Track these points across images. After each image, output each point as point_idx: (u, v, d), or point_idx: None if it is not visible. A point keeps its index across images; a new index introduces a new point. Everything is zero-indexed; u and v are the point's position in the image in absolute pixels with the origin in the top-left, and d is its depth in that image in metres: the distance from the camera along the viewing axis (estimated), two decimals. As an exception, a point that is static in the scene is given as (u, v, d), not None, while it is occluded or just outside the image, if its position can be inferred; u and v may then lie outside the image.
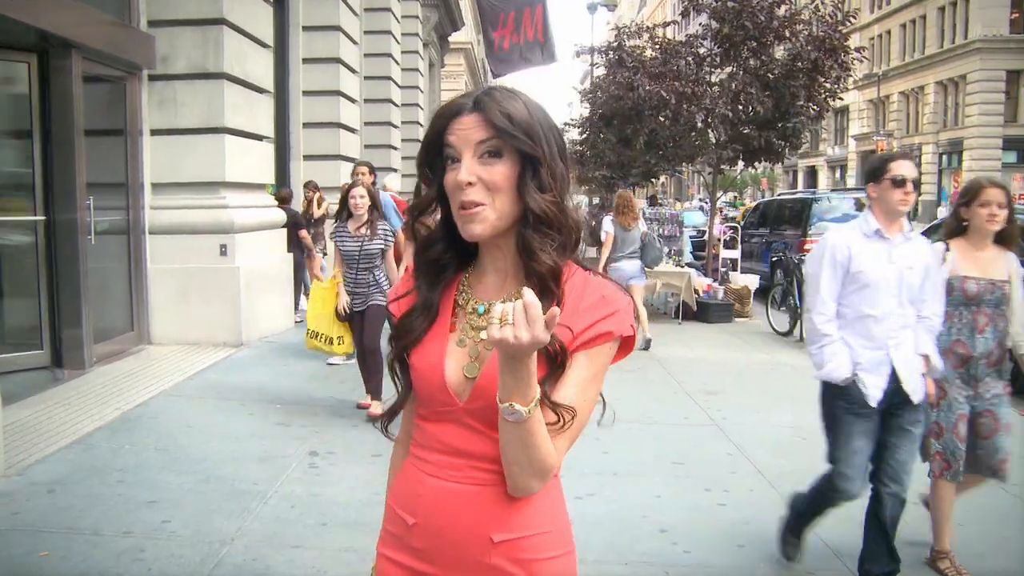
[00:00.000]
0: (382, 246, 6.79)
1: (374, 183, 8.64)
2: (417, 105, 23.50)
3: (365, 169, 8.56)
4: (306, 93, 14.28)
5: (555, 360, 1.51)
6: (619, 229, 10.60)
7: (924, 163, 44.71)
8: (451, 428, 1.60)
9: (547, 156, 1.53)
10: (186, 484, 5.13)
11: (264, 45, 10.30)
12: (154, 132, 9.02)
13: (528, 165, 1.52)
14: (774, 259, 12.84)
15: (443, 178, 1.56)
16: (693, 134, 13.61)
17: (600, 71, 20.68)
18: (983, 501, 4.86)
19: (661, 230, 16.32)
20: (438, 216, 1.65)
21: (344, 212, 6.86)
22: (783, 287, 11.69)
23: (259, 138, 10.26)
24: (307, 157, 14.35)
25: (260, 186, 10.32)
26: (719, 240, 15.03)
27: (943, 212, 31.77)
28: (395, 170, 20.00)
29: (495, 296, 1.61)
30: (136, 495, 4.90)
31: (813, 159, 53.92)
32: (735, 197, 58.06)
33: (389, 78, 19.44)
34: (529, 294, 1.31)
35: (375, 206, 6.86)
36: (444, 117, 1.56)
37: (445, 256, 1.66)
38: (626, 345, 1.63)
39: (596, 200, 27.07)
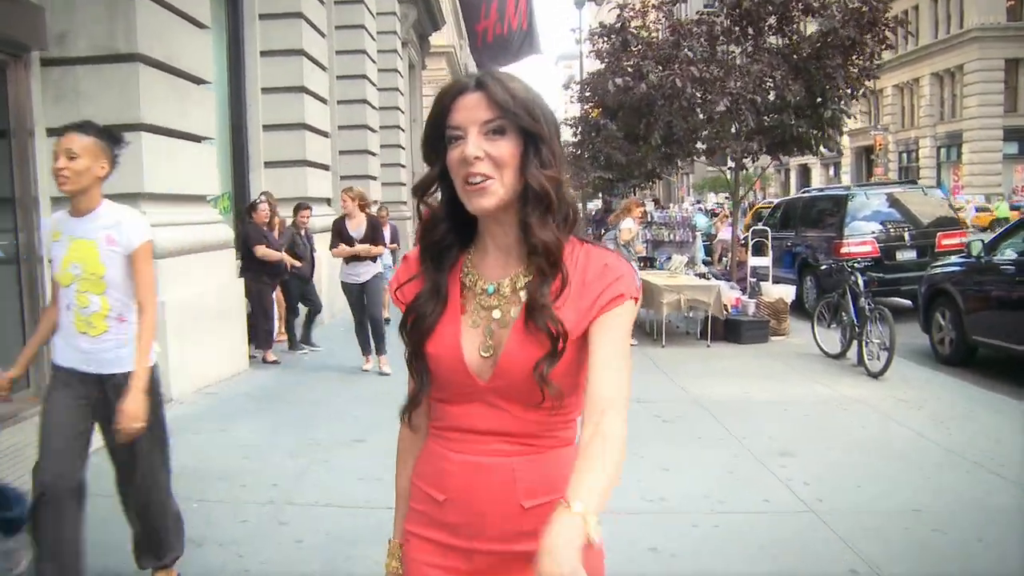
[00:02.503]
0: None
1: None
2: (397, 108, 21.46)
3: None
4: (266, 90, 12.21)
5: (556, 341, 1.52)
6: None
7: (922, 157, 43.03)
8: (475, 408, 1.61)
9: (547, 135, 1.56)
10: None
11: (199, 25, 8.23)
12: (52, 132, 6.93)
13: (530, 143, 1.54)
14: (822, 267, 10.81)
15: (444, 158, 1.57)
16: (711, 124, 11.58)
17: (591, 66, 18.67)
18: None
19: (672, 235, 14.35)
20: (438, 197, 1.66)
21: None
22: (834, 300, 9.67)
23: (196, 139, 8.20)
24: (269, 164, 12.28)
25: (197, 198, 8.25)
26: (742, 244, 12.97)
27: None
28: (374, 177, 18.00)
29: (500, 275, 1.63)
30: None
31: (805, 157, 51.87)
32: (726, 198, 56.37)
33: (364, 77, 17.39)
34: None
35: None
36: (448, 96, 1.57)
37: (448, 236, 1.65)
38: None
39: (596, 204, 24.88)
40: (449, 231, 1.65)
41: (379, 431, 6.39)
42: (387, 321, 9.65)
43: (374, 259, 8.79)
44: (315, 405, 7.22)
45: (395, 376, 8.51)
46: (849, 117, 11.58)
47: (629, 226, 10.57)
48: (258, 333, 9.18)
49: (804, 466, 5.68)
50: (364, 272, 8.72)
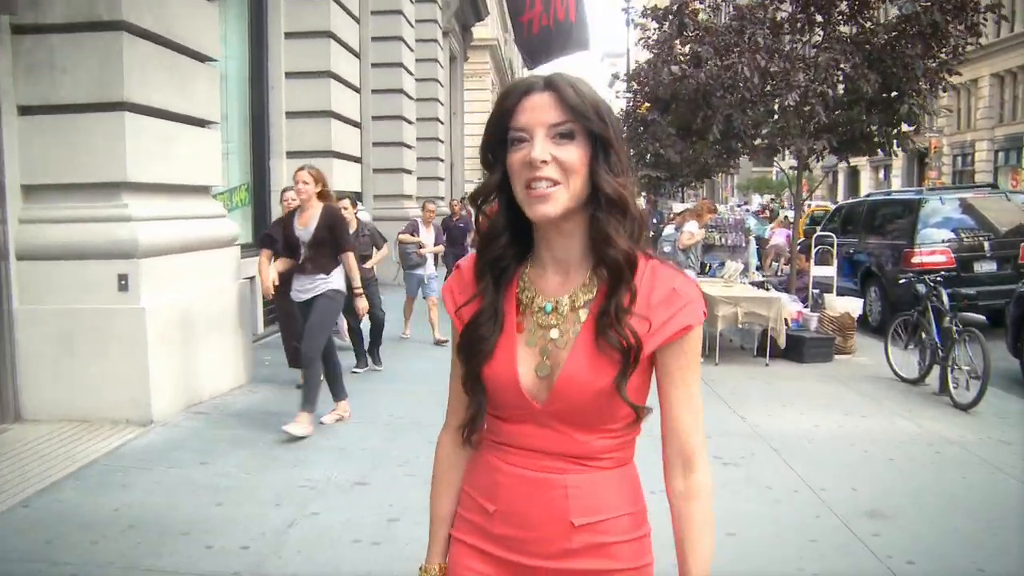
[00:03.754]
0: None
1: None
2: (436, 100, 20.48)
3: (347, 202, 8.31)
4: (290, 75, 11.25)
5: (628, 354, 1.46)
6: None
7: (978, 161, 41.11)
8: (530, 429, 1.56)
9: (616, 140, 1.48)
10: None
11: (204, -5, 7.25)
12: (23, 110, 6.00)
13: (600, 147, 1.47)
14: (900, 280, 9.57)
15: (504, 162, 1.49)
16: (774, 119, 10.39)
17: (639, 58, 17.47)
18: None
19: (723, 239, 13.15)
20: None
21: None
22: (913, 318, 8.45)
23: (199, 123, 7.22)
24: (292, 154, 11.30)
25: (197, 189, 7.26)
26: (806, 253, 11.73)
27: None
28: (410, 171, 17.00)
29: (559, 292, 1.55)
30: None
31: (857, 158, 50.02)
32: (771, 199, 54.58)
33: (400, 65, 16.44)
34: None
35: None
36: (513, 96, 1.48)
37: (508, 249, 1.57)
38: None
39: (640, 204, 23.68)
40: (508, 244, 1.57)
41: (385, 469, 5.37)
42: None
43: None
44: (317, 433, 6.19)
45: (416, 399, 7.47)
46: (930, 114, 10.30)
47: (692, 230, 9.46)
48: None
49: (902, 535, 4.53)
50: (313, 287, 6.25)
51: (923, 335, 8.33)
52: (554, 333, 1.52)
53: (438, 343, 10.09)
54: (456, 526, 1.68)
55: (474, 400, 1.60)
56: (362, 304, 6.80)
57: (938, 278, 8.44)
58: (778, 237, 17.57)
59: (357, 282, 6.63)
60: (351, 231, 8.03)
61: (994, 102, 40.08)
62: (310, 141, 11.29)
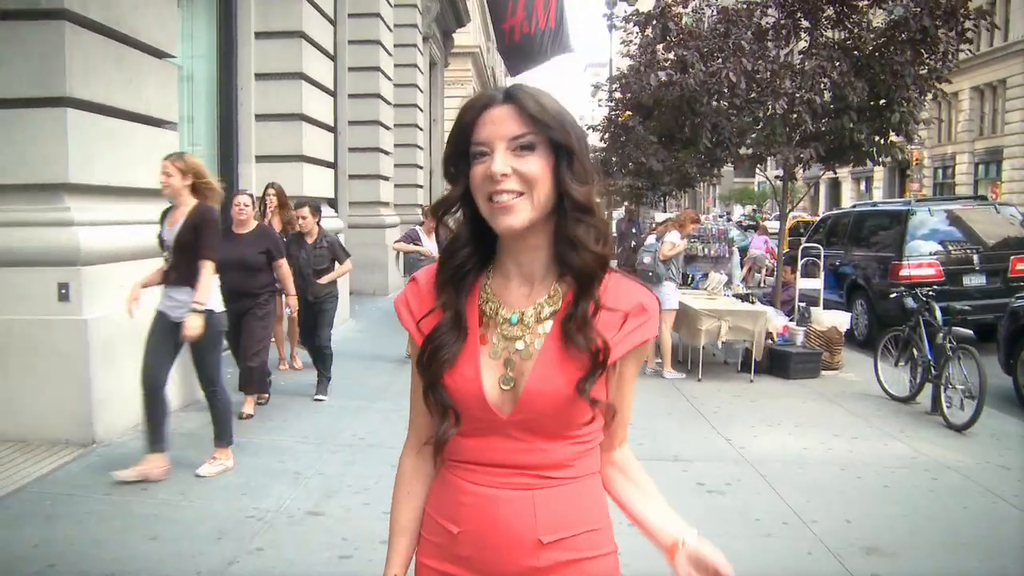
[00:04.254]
0: None
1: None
2: (415, 106, 20.02)
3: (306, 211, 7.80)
4: (260, 76, 10.78)
5: (597, 357, 1.45)
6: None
7: (958, 174, 41.04)
8: (494, 441, 1.52)
9: (579, 149, 1.47)
10: None
11: (163, -13, 6.80)
12: (-46, 105, 5.53)
13: (563, 156, 1.46)
14: (891, 294, 9.15)
15: (467, 174, 1.48)
16: (760, 126, 10.01)
17: (622, 65, 17.10)
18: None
19: (706, 249, 12.79)
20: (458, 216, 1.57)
21: None
22: (904, 334, 8.08)
23: (155, 122, 6.76)
24: (261, 158, 10.85)
25: (150, 192, 6.77)
26: (792, 265, 11.35)
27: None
28: (387, 177, 16.55)
29: (524, 303, 1.53)
30: None
31: (840, 169, 49.70)
32: (753, 210, 54.43)
33: (378, 69, 15.97)
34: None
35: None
36: (473, 110, 1.48)
37: (470, 261, 1.56)
38: None
39: (619, 214, 23.18)
40: (471, 255, 1.56)
41: (341, 498, 4.92)
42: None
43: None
44: (273, 454, 5.74)
45: (382, 417, 7.03)
46: (918, 123, 9.96)
47: (674, 240, 9.05)
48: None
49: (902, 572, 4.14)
50: (182, 303, 5.07)
51: (915, 352, 7.96)
52: (519, 344, 1.51)
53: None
54: (421, 549, 1.64)
55: (436, 416, 1.56)
56: (293, 303, 7.04)
57: (930, 292, 8.07)
58: (755, 247, 17.24)
59: (291, 288, 6.86)
60: (311, 241, 7.58)
61: (974, 115, 40.04)
62: (280, 145, 10.83)
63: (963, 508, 5.18)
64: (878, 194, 44.74)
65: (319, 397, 7.43)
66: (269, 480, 5.17)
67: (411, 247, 9.50)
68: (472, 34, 35.47)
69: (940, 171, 42.88)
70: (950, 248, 11.07)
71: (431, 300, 1.57)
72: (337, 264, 7.96)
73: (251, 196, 7.26)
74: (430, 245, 9.30)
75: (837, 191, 51.27)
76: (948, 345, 7.30)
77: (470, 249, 1.55)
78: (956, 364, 7.20)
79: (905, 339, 8.12)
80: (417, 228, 9.87)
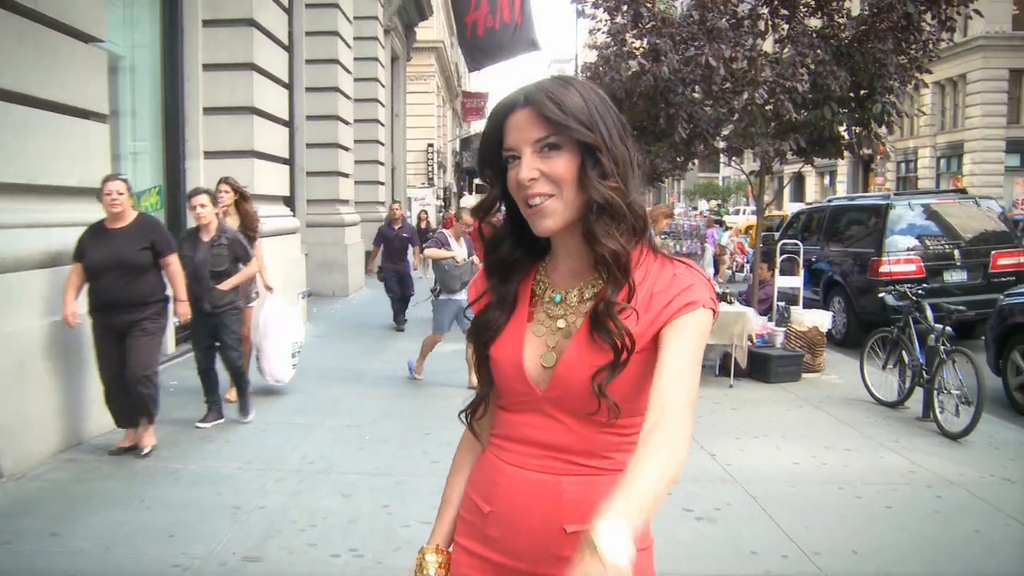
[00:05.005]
0: None
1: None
2: (376, 101, 19.36)
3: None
4: (208, 67, 10.08)
5: (619, 352, 1.44)
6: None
7: (920, 168, 41.11)
8: (531, 418, 1.56)
9: (607, 141, 1.47)
10: None
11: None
12: None
13: (588, 154, 1.46)
14: (880, 292, 8.60)
15: (506, 176, 1.52)
16: (736, 118, 9.48)
17: (589, 57, 16.52)
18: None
19: (679, 247, 12.24)
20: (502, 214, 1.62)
21: None
22: (892, 335, 7.59)
23: (81, 114, 6.08)
24: (210, 154, 10.15)
25: (80, 192, 6.08)
26: (768, 262, 10.83)
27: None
28: (347, 174, 15.86)
29: (570, 284, 1.57)
30: None
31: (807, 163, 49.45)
32: (718, 205, 54.13)
33: (336, 62, 15.30)
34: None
35: None
36: (498, 116, 1.52)
37: (515, 253, 1.61)
38: None
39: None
40: (515, 247, 1.61)
41: (287, 535, 4.28)
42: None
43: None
44: (210, 484, 5.09)
45: (336, 436, 6.39)
46: (900, 115, 9.48)
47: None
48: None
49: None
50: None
51: (904, 354, 7.48)
52: (561, 323, 1.54)
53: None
54: (458, 528, 1.66)
55: (482, 384, 1.62)
56: (182, 310, 5.82)
57: (919, 290, 7.58)
58: (726, 240, 16.91)
59: (181, 292, 5.79)
60: (207, 238, 6.33)
61: (936, 110, 40.04)
62: (230, 140, 10.14)
63: (975, 532, 4.67)
64: (842, 188, 44.70)
65: (243, 420, 6.54)
66: (203, 517, 4.52)
67: (443, 253, 8.28)
68: (435, 28, 34.84)
69: (903, 165, 42.91)
70: (930, 243, 10.63)
71: (485, 284, 1.64)
72: (241, 267, 6.52)
73: (209, 194, 6.51)
74: (458, 250, 8.42)
75: (801, 185, 51.16)
76: (942, 348, 6.81)
77: (511, 242, 1.59)
78: (950, 368, 6.72)
79: (893, 340, 7.63)
80: (445, 232, 8.67)
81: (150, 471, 5.26)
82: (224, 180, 7.43)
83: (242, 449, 5.84)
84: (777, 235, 13.72)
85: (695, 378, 1.41)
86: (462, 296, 7.94)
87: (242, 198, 7.38)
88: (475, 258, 8.42)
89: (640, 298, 1.47)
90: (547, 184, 1.44)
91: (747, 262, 19.74)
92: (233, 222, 7.11)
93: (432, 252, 8.34)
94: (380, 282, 12.44)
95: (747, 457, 5.99)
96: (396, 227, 12.01)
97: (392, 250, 11.86)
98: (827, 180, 49.17)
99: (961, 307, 7.28)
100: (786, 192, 52.46)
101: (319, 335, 10.86)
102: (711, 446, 6.21)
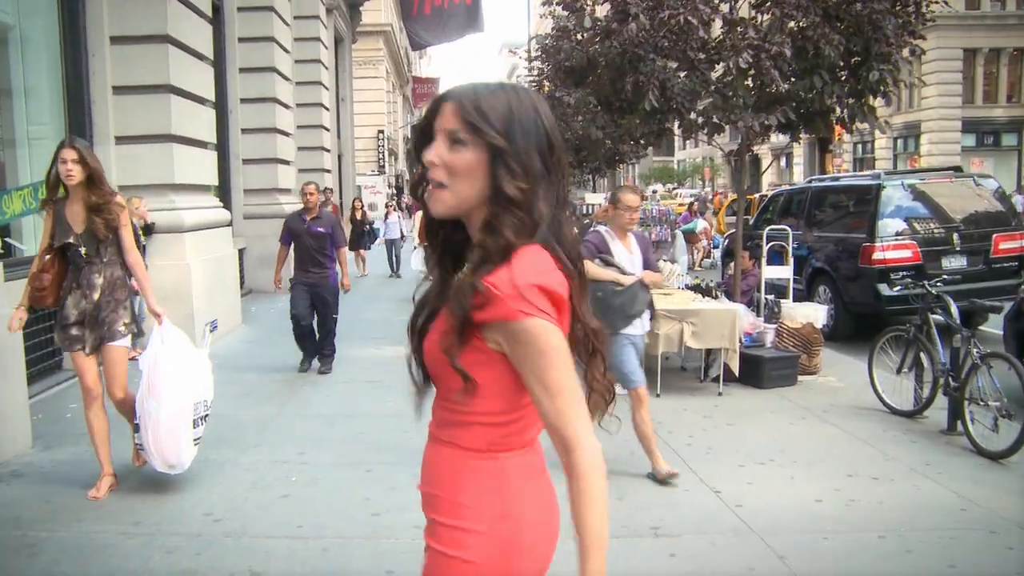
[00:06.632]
0: None
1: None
2: (320, 84, 18.01)
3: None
4: (116, 40, 8.72)
5: (461, 324, 1.52)
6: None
7: (877, 148, 40.59)
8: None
9: (517, 150, 1.54)
10: None
11: None
12: None
13: (498, 156, 1.54)
14: (895, 287, 7.48)
15: None
16: (713, 88, 8.35)
17: (544, 29, 15.31)
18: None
19: (647, 233, 11.15)
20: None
21: None
22: (908, 334, 6.53)
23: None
24: (122, 139, 8.81)
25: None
26: (753, 255, 9.74)
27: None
28: (287, 161, 14.51)
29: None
30: None
31: (758, 146, 48.69)
32: (672, 189, 53.21)
33: (272, 40, 13.92)
34: None
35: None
36: (435, 104, 1.62)
37: (456, 234, 1.66)
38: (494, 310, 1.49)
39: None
40: (454, 231, 1.66)
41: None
42: None
43: None
44: (86, 555, 3.84)
45: (252, 485, 5.15)
46: (896, 84, 8.45)
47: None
48: None
49: None
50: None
51: (922, 356, 6.42)
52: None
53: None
54: None
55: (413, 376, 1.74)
56: None
57: (938, 283, 6.53)
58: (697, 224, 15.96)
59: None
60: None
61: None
62: (144, 123, 8.80)
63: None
64: (799, 171, 44.01)
65: None
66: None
67: (603, 272, 5.14)
68: (383, 12, 33.41)
69: (859, 146, 42.36)
70: (926, 227, 9.61)
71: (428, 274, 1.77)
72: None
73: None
74: (625, 256, 5.29)
75: (757, 167, 50.48)
76: (975, 352, 5.75)
77: (452, 226, 1.65)
78: (985, 374, 5.66)
79: (909, 340, 6.57)
80: (601, 230, 5.50)
81: (33, 516, 4.00)
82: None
83: (137, 505, 4.58)
84: (751, 220, 12.68)
85: (565, 386, 1.49)
86: (635, 329, 5.26)
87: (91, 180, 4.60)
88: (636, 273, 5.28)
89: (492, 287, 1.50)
90: (443, 173, 1.56)
91: (715, 247, 18.75)
92: (78, 211, 4.62)
93: (597, 272, 5.10)
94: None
95: (758, 493, 4.88)
96: (308, 217, 8.14)
97: (303, 252, 8.10)
98: (783, 162, 48.47)
99: (996, 303, 6.24)
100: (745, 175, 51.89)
101: (254, 340, 9.63)
102: (712, 478, 5.09)
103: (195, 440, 4.77)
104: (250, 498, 4.70)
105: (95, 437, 4.71)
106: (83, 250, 4.60)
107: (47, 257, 4.64)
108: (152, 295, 4.86)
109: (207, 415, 4.88)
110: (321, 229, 8.04)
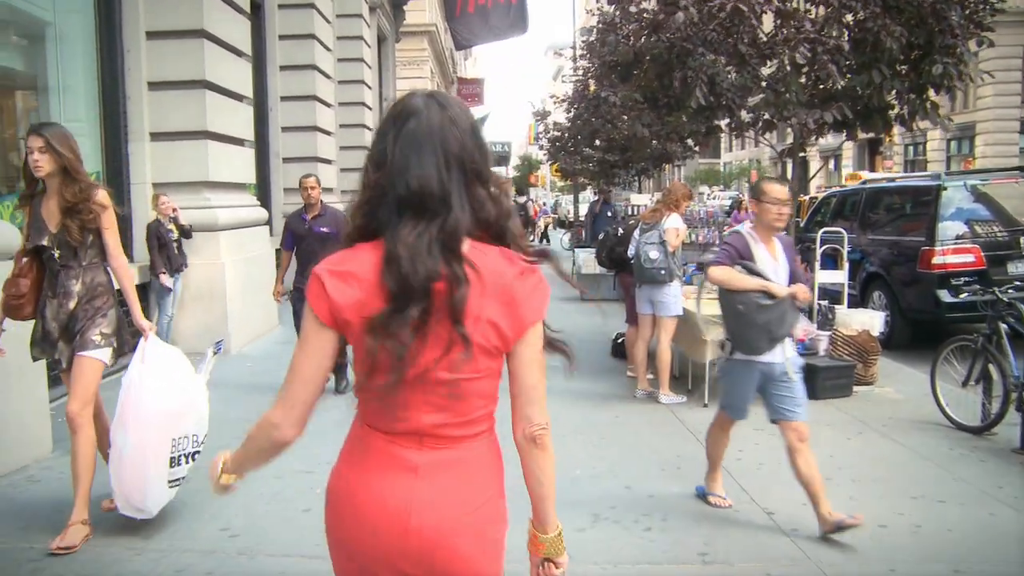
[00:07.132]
0: None
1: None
2: (362, 82, 17.80)
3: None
4: (152, 36, 8.58)
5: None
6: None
7: (930, 150, 39.52)
8: None
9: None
10: None
11: None
12: None
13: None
14: (962, 294, 7.03)
15: None
16: (764, 84, 7.96)
17: (588, 37, 15.00)
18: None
19: (694, 235, 10.74)
20: None
21: None
22: (978, 344, 6.08)
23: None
24: (157, 135, 8.67)
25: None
26: (805, 258, 9.31)
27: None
28: (329, 160, 14.34)
29: None
30: None
31: (809, 146, 47.62)
32: (721, 190, 52.38)
33: (313, 37, 13.73)
34: None
35: None
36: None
37: None
38: None
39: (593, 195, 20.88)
40: None
41: None
42: None
43: None
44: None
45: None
46: (963, 79, 7.98)
47: (677, 225, 6.98)
48: None
49: None
50: None
51: (991, 368, 5.97)
52: None
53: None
54: None
55: None
56: None
57: (1010, 289, 6.08)
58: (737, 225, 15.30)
59: None
60: None
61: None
62: (178, 119, 8.64)
63: None
64: (847, 171, 43.11)
65: None
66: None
67: (742, 280, 4.29)
68: (428, 12, 33.22)
69: (911, 148, 41.33)
70: (989, 230, 9.10)
71: None
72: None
73: None
74: (768, 262, 4.39)
75: (805, 169, 49.55)
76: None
77: None
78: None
79: (977, 351, 6.12)
80: (742, 229, 4.59)
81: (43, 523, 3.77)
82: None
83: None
84: (802, 222, 12.21)
85: None
86: (775, 357, 4.42)
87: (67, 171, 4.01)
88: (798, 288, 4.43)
89: None
90: None
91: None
92: (54, 208, 4.04)
93: (720, 275, 4.36)
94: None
95: (814, 515, 4.50)
96: (309, 216, 7.14)
97: (306, 256, 6.97)
98: (832, 164, 47.51)
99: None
100: (789, 177, 51.03)
101: (289, 341, 9.38)
102: (764, 498, 4.74)
103: (172, 482, 4.05)
104: (270, 512, 4.43)
105: (73, 466, 3.99)
106: (56, 253, 3.99)
107: (24, 260, 4.03)
108: (137, 306, 4.21)
109: (197, 452, 4.13)
110: (325, 229, 6.95)
